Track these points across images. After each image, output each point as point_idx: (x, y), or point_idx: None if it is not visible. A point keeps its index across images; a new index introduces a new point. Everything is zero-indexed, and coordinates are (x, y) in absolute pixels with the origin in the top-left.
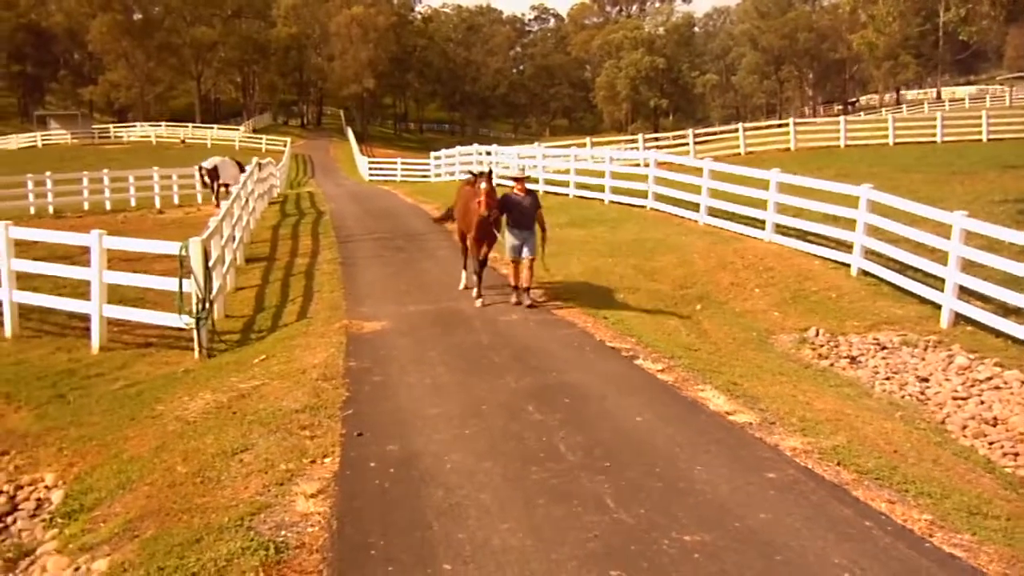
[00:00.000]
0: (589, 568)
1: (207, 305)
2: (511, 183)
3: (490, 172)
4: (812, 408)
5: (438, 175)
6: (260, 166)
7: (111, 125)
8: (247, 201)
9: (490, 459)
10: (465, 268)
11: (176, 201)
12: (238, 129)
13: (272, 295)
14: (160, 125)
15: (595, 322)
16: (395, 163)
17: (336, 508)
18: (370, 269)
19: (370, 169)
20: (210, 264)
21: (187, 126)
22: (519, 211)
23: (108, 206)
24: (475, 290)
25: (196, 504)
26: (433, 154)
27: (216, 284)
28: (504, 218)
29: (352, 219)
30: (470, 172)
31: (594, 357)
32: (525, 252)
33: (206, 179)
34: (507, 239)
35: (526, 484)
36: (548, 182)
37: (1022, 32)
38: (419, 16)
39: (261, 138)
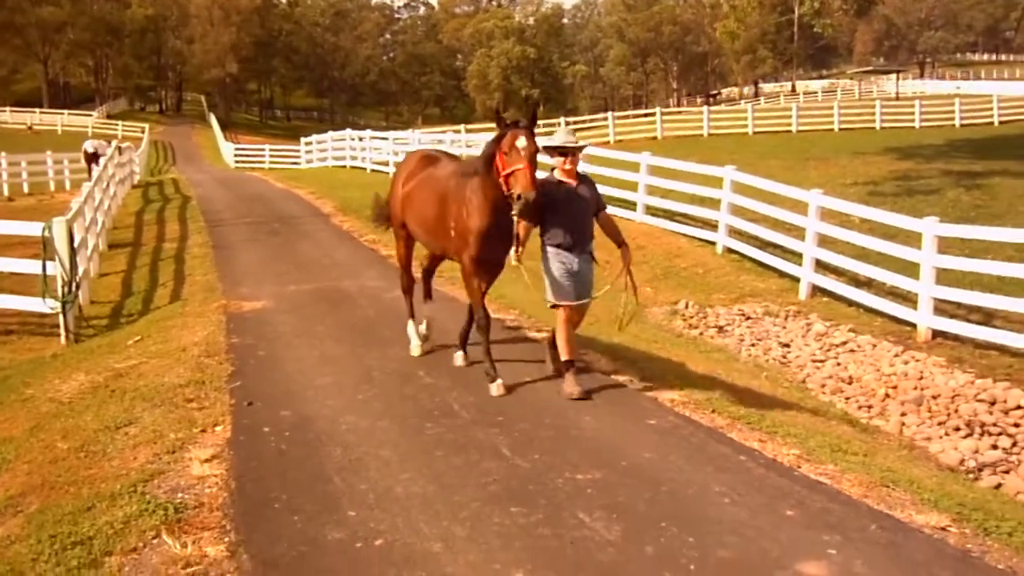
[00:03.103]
0: (491, 507)
1: (73, 288)
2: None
3: (534, 115)
4: (686, 369)
5: (309, 161)
6: (120, 150)
7: None
8: (108, 185)
9: (386, 419)
10: (412, 315)
11: (26, 189)
12: (91, 115)
13: (140, 280)
14: (4, 111)
15: None
16: (263, 149)
17: (233, 470)
18: (245, 252)
19: (236, 156)
20: (75, 245)
21: (35, 111)
22: (571, 211)
23: None
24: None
25: (83, 476)
26: (304, 140)
27: (81, 268)
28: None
29: (221, 204)
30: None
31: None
32: (578, 289)
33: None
34: (553, 266)
35: (423, 439)
36: None
37: (870, 29)
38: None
39: (117, 124)
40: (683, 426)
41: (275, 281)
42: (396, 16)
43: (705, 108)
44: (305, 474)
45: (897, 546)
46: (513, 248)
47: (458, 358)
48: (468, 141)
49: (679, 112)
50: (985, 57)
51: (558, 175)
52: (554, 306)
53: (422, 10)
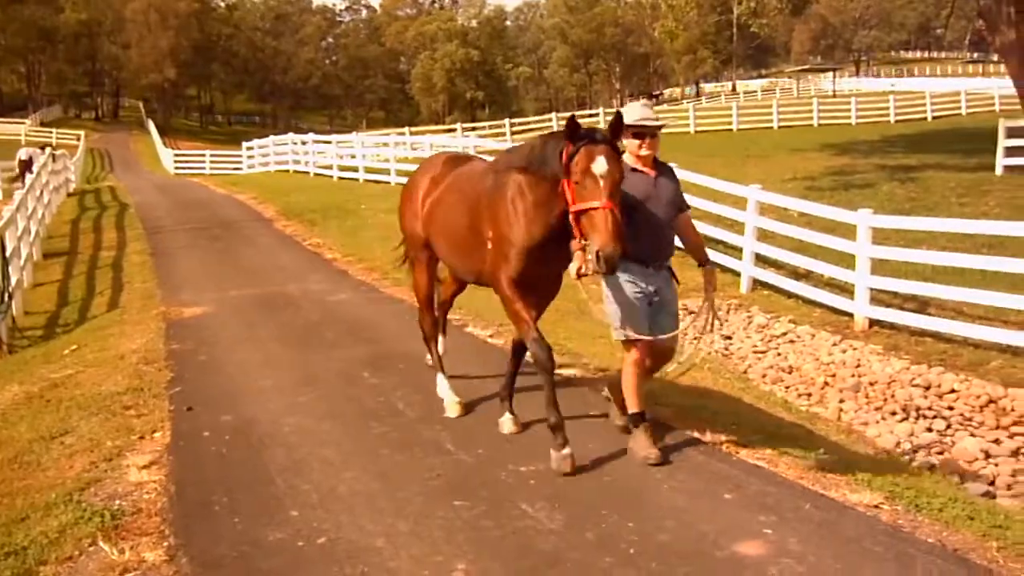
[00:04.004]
0: (434, 501)
1: (6, 299)
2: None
3: (619, 123)
4: None
5: (251, 167)
6: (54, 157)
7: None
8: (42, 193)
9: (329, 420)
10: (441, 368)
11: None
12: (24, 123)
13: (77, 289)
14: None
15: None
16: (203, 155)
17: (172, 475)
18: (185, 258)
19: (176, 162)
20: (7, 254)
21: None
22: (647, 213)
23: None
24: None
25: (16, 488)
26: (245, 145)
27: (14, 278)
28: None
29: (161, 210)
30: (448, 149)
31: None
32: (661, 321)
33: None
34: (621, 287)
35: (368, 438)
36: (368, 170)
37: (807, 28)
38: (223, 3)
39: (51, 131)
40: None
41: (216, 287)
42: (338, 19)
43: None
44: (246, 476)
45: (831, 524)
46: (575, 261)
47: (506, 423)
48: (413, 143)
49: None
50: (918, 54)
51: (630, 160)
52: (626, 341)
53: (364, 13)
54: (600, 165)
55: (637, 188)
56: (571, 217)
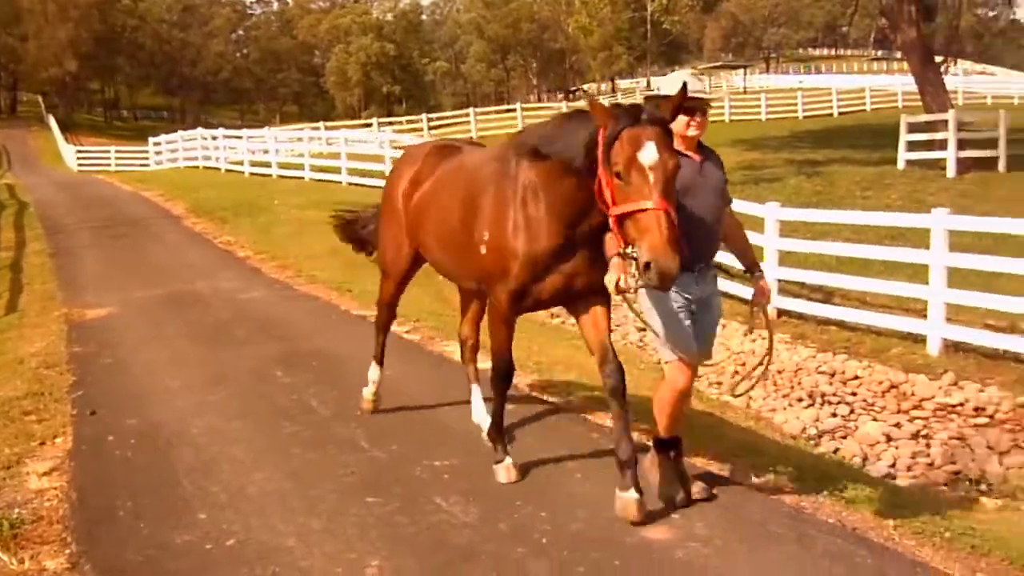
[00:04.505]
0: (347, 499)
1: None
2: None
3: (683, 89)
4: (547, 355)
5: (159, 163)
6: None
7: None
8: None
9: (240, 419)
10: (379, 359)
11: None
12: None
13: None
14: None
15: (339, 294)
16: (108, 151)
17: (75, 481)
18: (88, 258)
19: (79, 159)
20: None
21: None
22: (692, 204)
23: None
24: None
25: None
26: (152, 140)
27: None
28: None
29: (62, 209)
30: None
31: (340, 324)
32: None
33: None
34: (658, 300)
35: (279, 437)
36: (282, 165)
37: (718, 26)
38: None
39: None
40: (538, 407)
41: (121, 287)
42: (248, 12)
43: (564, 104)
44: (152, 480)
45: (736, 508)
46: (612, 272)
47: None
48: (328, 138)
49: (539, 108)
50: (825, 52)
51: (677, 142)
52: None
53: (276, 5)
54: (649, 154)
55: (682, 176)
56: (611, 222)
